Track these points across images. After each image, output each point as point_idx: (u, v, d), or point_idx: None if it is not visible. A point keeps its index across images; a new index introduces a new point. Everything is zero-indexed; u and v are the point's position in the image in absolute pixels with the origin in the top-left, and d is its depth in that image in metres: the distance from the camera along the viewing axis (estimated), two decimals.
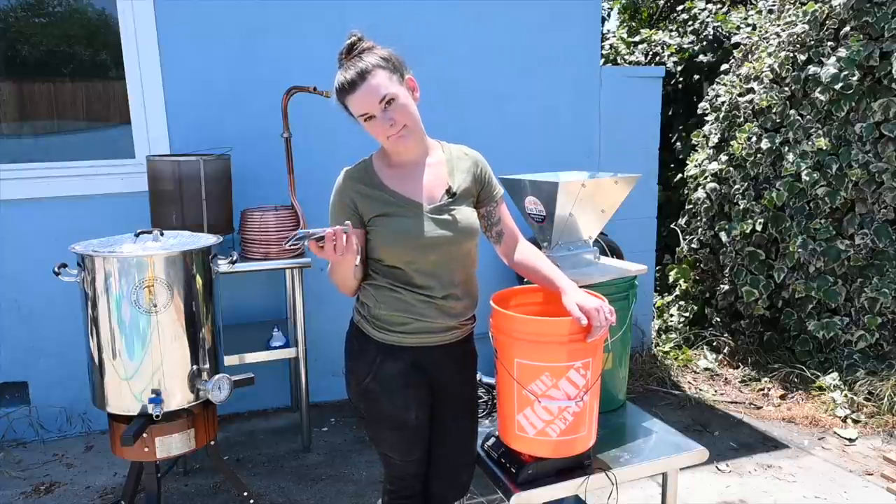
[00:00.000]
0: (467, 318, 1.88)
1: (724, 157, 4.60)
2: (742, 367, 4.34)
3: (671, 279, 5.15)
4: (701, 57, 5.69)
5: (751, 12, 5.57)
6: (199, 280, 2.21)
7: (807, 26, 4.18)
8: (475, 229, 1.82)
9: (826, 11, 4.09)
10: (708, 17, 5.89)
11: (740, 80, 4.62)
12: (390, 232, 1.75)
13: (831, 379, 3.86)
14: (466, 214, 1.81)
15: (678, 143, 5.71)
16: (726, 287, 4.55)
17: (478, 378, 2.34)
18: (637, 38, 6.49)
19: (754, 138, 4.31)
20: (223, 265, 2.31)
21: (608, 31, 7.49)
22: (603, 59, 6.57)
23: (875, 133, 3.77)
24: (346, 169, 1.85)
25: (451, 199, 1.80)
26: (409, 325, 1.79)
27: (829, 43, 4.07)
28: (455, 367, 1.90)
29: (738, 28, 5.51)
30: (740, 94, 4.54)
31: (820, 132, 3.97)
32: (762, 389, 4.04)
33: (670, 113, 5.76)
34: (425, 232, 1.74)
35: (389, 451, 1.87)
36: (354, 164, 1.85)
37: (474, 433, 2.00)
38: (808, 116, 4.06)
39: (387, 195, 1.77)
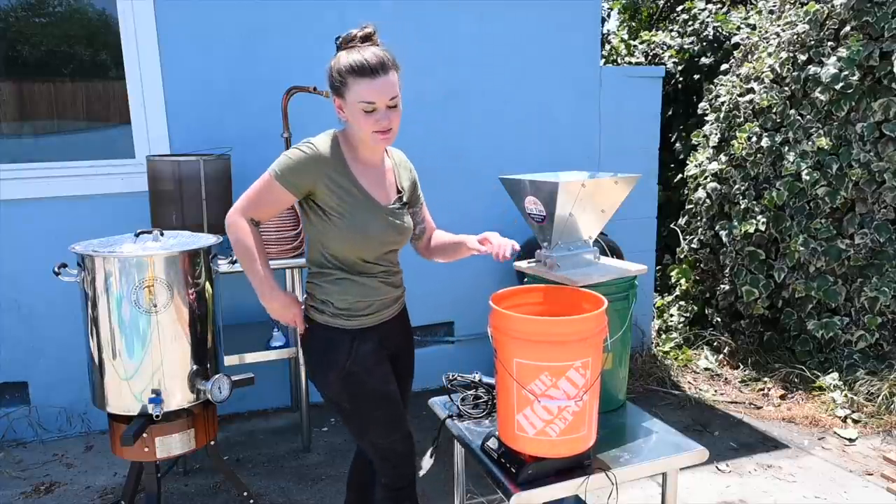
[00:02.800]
0: (401, 285, 2.05)
1: (724, 157, 4.60)
2: (742, 367, 4.34)
3: (672, 279, 5.15)
4: (701, 58, 5.69)
5: (751, 12, 5.57)
6: (198, 280, 2.22)
7: (807, 26, 4.17)
8: (411, 231, 1.98)
9: (826, 11, 4.09)
10: (708, 17, 5.89)
11: (740, 80, 4.62)
12: (352, 227, 1.80)
13: (831, 379, 3.86)
14: (409, 219, 1.96)
15: (678, 143, 5.71)
16: (726, 287, 4.55)
17: (477, 378, 2.34)
18: (637, 41, 6.49)
19: (754, 138, 4.31)
20: (223, 265, 2.31)
21: (608, 31, 7.49)
22: (603, 60, 6.57)
23: (875, 133, 3.77)
24: (316, 142, 1.81)
25: (401, 204, 1.93)
26: (373, 306, 1.91)
27: (830, 43, 4.07)
28: (405, 334, 2.08)
29: (739, 28, 5.51)
30: (740, 94, 4.53)
31: (820, 132, 3.97)
32: (762, 389, 4.04)
33: (670, 113, 5.76)
34: (382, 232, 1.86)
35: (379, 435, 1.92)
36: (321, 137, 1.83)
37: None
38: (808, 116, 4.06)
39: (357, 190, 1.82)
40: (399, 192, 1.94)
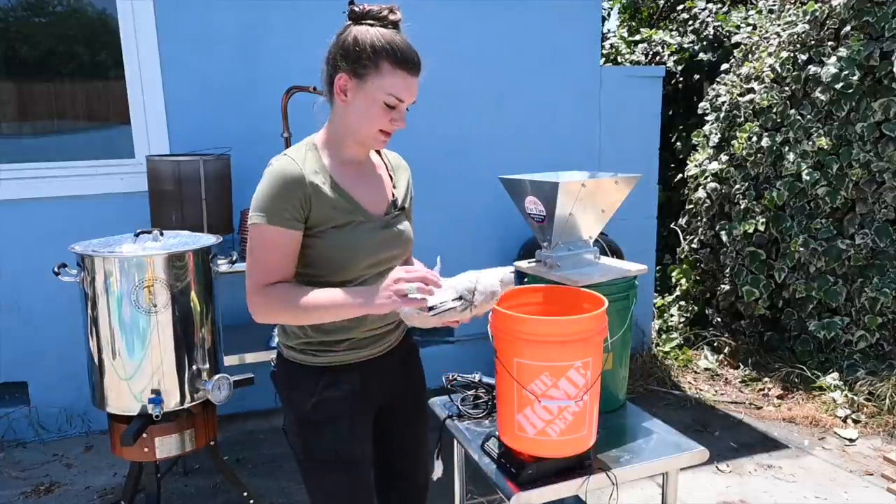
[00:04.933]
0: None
1: (724, 157, 4.60)
2: (742, 367, 4.34)
3: (673, 279, 5.14)
4: (701, 56, 5.69)
5: (751, 12, 5.56)
6: (198, 280, 2.21)
7: (807, 26, 4.17)
8: (412, 241, 1.70)
9: (826, 11, 4.09)
10: (708, 16, 5.89)
11: (741, 80, 4.62)
12: (344, 246, 1.51)
13: (832, 379, 3.86)
14: (408, 227, 1.68)
15: (678, 143, 5.71)
16: (727, 287, 4.55)
17: (477, 378, 2.34)
18: (637, 38, 6.49)
19: (755, 138, 4.31)
20: (223, 265, 2.31)
21: (608, 30, 7.49)
22: (603, 59, 6.56)
23: (875, 132, 3.77)
24: (291, 154, 1.49)
25: (397, 212, 1.64)
26: (351, 340, 1.59)
27: (830, 43, 4.07)
28: (407, 377, 1.80)
29: (739, 28, 5.51)
30: (741, 94, 4.53)
31: (820, 132, 3.96)
32: (762, 389, 4.04)
33: (670, 113, 5.76)
34: (380, 248, 1.56)
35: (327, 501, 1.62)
36: (290, 151, 1.51)
37: (425, 437, 1.90)
38: (808, 116, 4.06)
39: (346, 202, 1.52)
40: (394, 196, 1.65)
